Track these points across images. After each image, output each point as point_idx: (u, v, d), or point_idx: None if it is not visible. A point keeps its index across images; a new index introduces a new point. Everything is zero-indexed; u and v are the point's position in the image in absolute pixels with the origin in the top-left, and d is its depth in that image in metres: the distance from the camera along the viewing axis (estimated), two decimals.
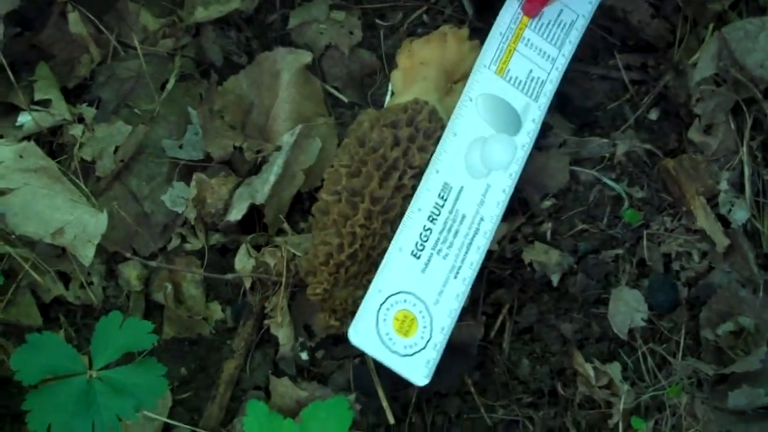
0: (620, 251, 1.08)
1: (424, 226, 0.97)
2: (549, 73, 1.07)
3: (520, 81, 1.05)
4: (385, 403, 1.04)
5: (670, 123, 1.15)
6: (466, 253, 0.98)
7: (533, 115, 1.05)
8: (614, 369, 1.03)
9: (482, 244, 0.99)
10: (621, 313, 1.06)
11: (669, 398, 1.03)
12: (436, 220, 0.98)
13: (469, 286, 0.98)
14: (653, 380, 1.04)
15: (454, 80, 1.09)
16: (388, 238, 0.97)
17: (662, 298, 1.07)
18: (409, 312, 0.96)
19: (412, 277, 0.96)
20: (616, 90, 1.17)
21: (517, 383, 1.06)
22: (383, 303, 0.95)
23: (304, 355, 1.06)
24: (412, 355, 0.95)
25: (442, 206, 0.98)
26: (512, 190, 1.01)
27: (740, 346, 1.03)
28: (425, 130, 1.00)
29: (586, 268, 1.07)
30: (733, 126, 1.11)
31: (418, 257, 0.97)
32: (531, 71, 1.06)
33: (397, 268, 0.96)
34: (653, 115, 1.16)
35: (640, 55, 1.18)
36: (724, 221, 1.08)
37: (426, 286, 0.96)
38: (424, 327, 0.96)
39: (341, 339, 1.06)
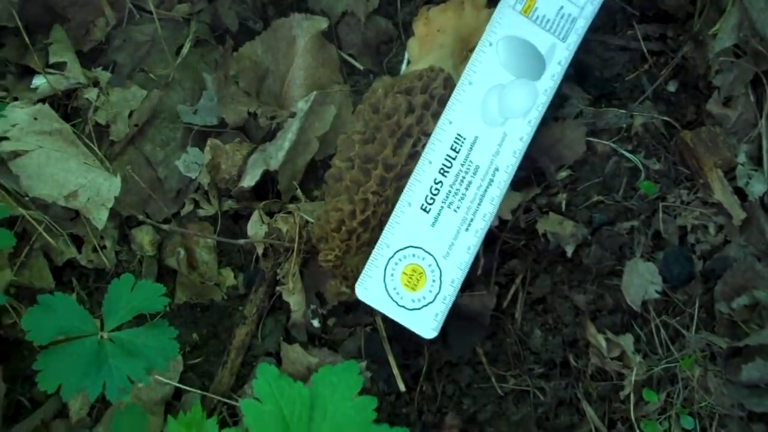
0: (635, 223, 1.07)
1: (435, 179, 0.96)
2: (582, 8, 1.02)
3: (548, 20, 1.01)
4: (395, 371, 1.04)
5: (689, 95, 1.14)
6: (479, 204, 0.97)
7: (560, 56, 1.01)
8: (627, 341, 1.03)
9: (496, 195, 0.98)
10: (635, 285, 1.05)
11: (681, 371, 1.02)
12: (447, 172, 0.97)
13: (482, 238, 0.97)
14: (666, 353, 1.04)
15: (471, 48, 1.06)
16: None
17: (677, 270, 1.05)
18: (418, 266, 0.96)
19: (421, 231, 0.96)
20: (634, 61, 1.15)
21: (528, 354, 1.06)
22: (391, 258, 0.95)
23: (316, 323, 1.06)
24: (420, 308, 0.95)
25: (455, 158, 0.97)
26: (530, 138, 0.99)
27: (755, 320, 1.02)
28: (440, 96, 0.99)
29: (600, 239, 1.06)
30: (752, 98, 1.09)
31: (428, 211, 0.96)
32: (562, 8, 1.01)
33: (405, 223, 0.96)
34: (671, 86, 1.14)
35: (659, 26, 1.16)
36: (741, 194, 1.07)
37: (435, 239, 0.96)
38: (433, 281, 0.96)
39: (353, 306, 1.06)
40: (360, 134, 0.99)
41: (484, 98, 0.99)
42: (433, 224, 0.96)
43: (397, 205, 0.96)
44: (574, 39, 1.01)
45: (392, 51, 1.18)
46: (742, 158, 1.07)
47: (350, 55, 1.18)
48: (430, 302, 0.95)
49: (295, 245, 1.05)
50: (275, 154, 1.07)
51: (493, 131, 0.98)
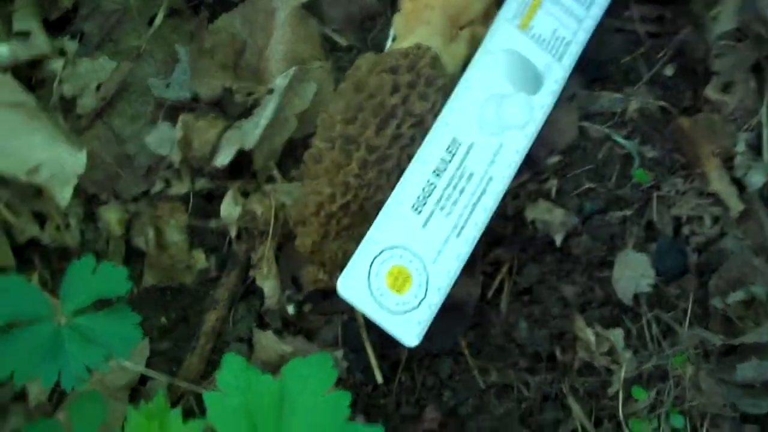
0: (628, 212, 1.04)
1: (428, 180, 0.94)
2: (575, 33, 1.04)
3: (544, 39, 1.03)
4: (373, 361, 1.01)
5: (686, 79, 1.11)
6: (471, 212, 0.95)
7: (556, 75, 1.02)
8: (616, 335, 1.00)
9: (489, 204, 0.96)
10: (626, 277, 1.02)
11: (673, 368, 0.99)
12: (441, 175, 0.95)
13: (472, 247, 0.94)
14: (657, 349, 1.01)
15: (460, 25, 1.04)
16: (384, 190, 0.93)
17: (670, 263, 1.03)
18: (405, 268, 0.92)
19: (410, 231, 0.93)
20: (630, 43, 1.12)
21: (513, 346, 1.02)
22: (377, 256, 0.92)
23: (291, 309, 1.03)
24: (403, 313, 0.91)
25: (449, 161, 0.95)
26: (526, 151, 0.99)
27: (751, 317, 1.00)
28: (427, 76, 0.96)
29: (591, 228, 1.03)
30: (753, 84, 1.07)
31: (419, 212, 0.93)
32: (556, 30, 1.03)
33: (394, 221, 0.93)
34: (669, 70, 1.11)
35: (656, 7, 1.13)
36: (740, 185, 1.04)
37: (425, 242, 0.93)
38: (419, 285, 0.92)
39: (330, 293, 1.02)
40: (341, 114, 0.95)
41: (482, 106, 0.98)
42: (424, 226, 0.93)
43: (388, 202, 0.93)
44: (569, 61, 1.03)
45: (377, 26, 1.15)
46: (741, 147, 1.05)
47: (333, 30, 1.14)
48: (414, 308, 0.91)
49: (271, 228, 1.01)
50: (251, 131, 1.03)
51: (489, 140, 0.97)
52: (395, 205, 0.93)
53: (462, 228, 0.94)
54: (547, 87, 1.01)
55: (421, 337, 0.91)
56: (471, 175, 0.95)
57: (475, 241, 0.95)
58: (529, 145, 0.98)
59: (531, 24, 1.03)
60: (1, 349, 0.81)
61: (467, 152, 0.96)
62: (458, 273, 0.93)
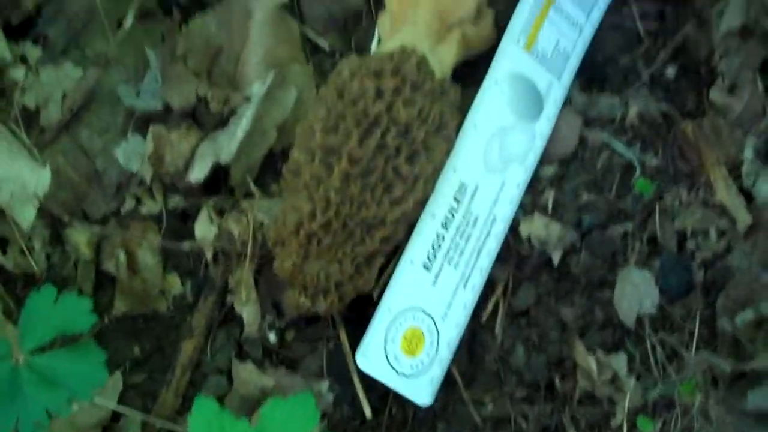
0: (629, 226, 1.02)
1: (437, 233, 0.96)
2: (575, 44, 1.05)
3: (546, 55, 1.03)
4: (361, 393, 0.98)
5: (689, 81, 1.10)
6: (477, 259, 0.98)
7: (555, 95, 1.03)
8: (619, 361, 0.99)
9: (493, 247, 0.98)
10: (628, 297, 1.00)
11: (680, 396, 0.97)
12: (449, 226, 0.97)
13: (478, 294, 0.97)
14: (663, 375, 0.99)
15: (450, 25, 1.01)
16: (368, 205, 0.91)
17: (675, 281, 1.01)
18: (418, 329, 0.95)
19: (422, 291, 0.95)
20: (629, 42, 1.10)
21: (510, 374, 1.01)
22: (392, 322, 0.94)
23: (273, 337, 1.01)
24: (418, 375, 0.94)
25: (457, 210, 0.97)
26: (526, 184, 1.00)
27: (761, 339, 0.97)
28: (413, 81, 0.93)
29: (590, 245, 1.01)
30: (761, 86, 1.05)
31: (429, 269, 0.95)
32: (558, 42, 1.03)
33: (407, 284, 0.95)
34: (670, 71, 1.10)
35: (657, 2, 1.11)
36: (747, 195, 1.02)
37: (435, 299, 0.96)
38: (431, 343, 0.95)
39: (313, 319, 1.01)
40: (322, 122, 0.92)
41: (488, 143, 0.98)
42: (434, 283, 0.95)
43: (400, 263, 0.95)
44: (568, 78, 1.04)
45: (361, 27, 1.12)
46: (748, 154, 1.03)
47: (314, 32, 1.12)
48: (427, 367, 0.94)
49: (249, 250, 0.98)
50: (227, 144, 1.01)
51: (493, 178, 0.98)
52: (407, 266, 0.95)
53: (469, 277, 0.97)
54: (547, 111, 1.02)
55: (434, 395, 0.94)
56: (476, 219, 0.97)
57: (481, 288, 0.96)
58: (529, 178, 0.99)
59: (536, 41, 1.02)
60: None
61: (473, 196, 0.98)
62: (466, 323, 0.96)
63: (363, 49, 1.11)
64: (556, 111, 1.02)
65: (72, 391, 0.80)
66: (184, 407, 1.00)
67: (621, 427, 0.97)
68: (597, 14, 1.06)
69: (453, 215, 0.96)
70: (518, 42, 1.01)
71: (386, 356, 0.93)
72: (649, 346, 1.00)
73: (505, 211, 0.98)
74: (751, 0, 1.04)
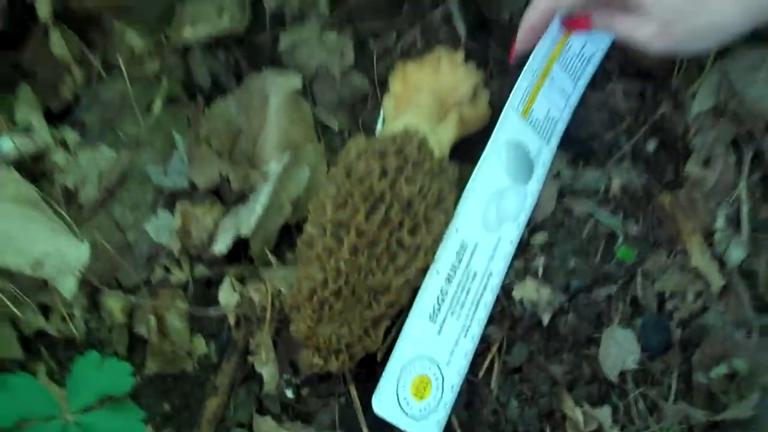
0: (613, 289, 1.06)
1: (441, 288, 0.99)
2: (562, 111, 1.08)
3: (539, 122, 1.06)
4: None
5: (668, 154, 1.13)
6: (475, 310, 1.01)
7: (544, 158, 1.07)
8: (604, 413, 1.02)
9: (489, 300, 1.02)
10: (612, 354, 1.04)
11: None
12: (452, 281, 1.00)
13: (476, 343, 1.01)
14: (643, 425, 1.02)
15: (448, 107, 1.06)
16: (374, 273, 0.96)
17: (655, 339, 1.04)
18: (425, 376, 0.98)
19: (428, 341, 0.99)
20: (612, 119, 1.14)
21: (505, 424, 1.04)
22: (403, 368, 0.97)
23: (290, 393, 1.05)
24: (426, 417, 0.98)
25: (458, 266, 1.00)
26: (518, 240, 1.04)
27: (734, 391, 1.01)
28: (414, 160, 0.98)
29: (577, 307, 1.05)
30: (732, 160, 1.09)
31: (435, 321, 0.99)
32: (549, 110, 1.07)
33: (416, 335, 0.98)
34: (650, 146, 1.13)
35: (637, 83, 1.15)
36: (720, 261, 1.06)
37: (440, 348, 0.99)
38: (437, 388, 0.98)
39: (326, 376, 1.05)
40: (332, 199, 0.97)
41: (486, 205, 1.02)
42: (439, 332, 0.99)
43: (409, 317, 0.99)
44: (555, 142, 1.08)
45: (368, 107, 1.18)
46: (720, 223, 1.07)
47: (325, 113, 1.17)
48: (434, 409, 0.98)
49: (267, 314, 1.03)
50: (247, 219, 1.06)
51: (490, 236, 1.02)
52: (416, 319, 0.98)
53: (468, 327, 1.00)
54: (536, 173, 1.05)
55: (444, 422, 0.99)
56: (475, 274, 1.01)
57: (479, 337, 1.01)
58: (520, 235, 1.04)
59: (532, 108, 1.05)
60: None
61: (472, 253, 1.01)
62: (467, 369, 1.00)
63: (369, 127, 1.15)
64: (544, 172, 1.06)
65: None
66: None
67: None
68: (583, 82, 1.10)
69: (455, 271, 0.99)
70: (517, 110, 1.04)
71: (398, 400, 0.96)
72: (631, 399, 1.03)
73: (500, 266, 1.02)
74: (721, 84, 1.07)
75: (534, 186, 1.05)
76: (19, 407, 0.86)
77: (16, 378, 0.88)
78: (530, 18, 1.01)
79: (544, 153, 1.07)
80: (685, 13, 0.91)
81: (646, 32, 0.95)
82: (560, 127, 1.08)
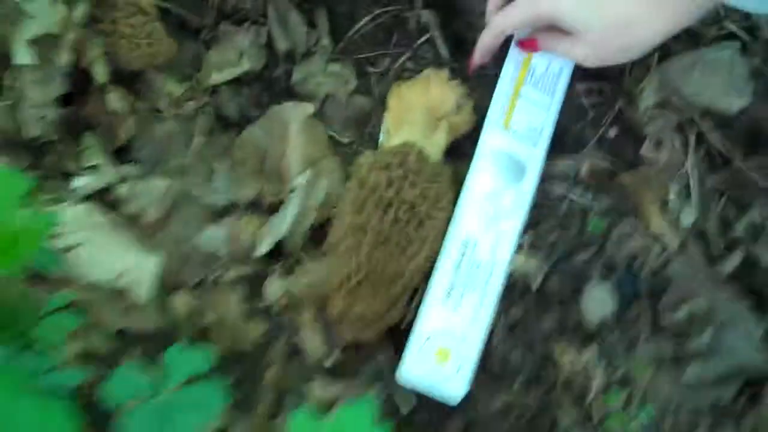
0: (589, 254, 1.16)
1: (451, 273, 1.10)
2: (545, 119, 1.16)
3: (522, 133, 1.15)
4: (399, 395, 1.14)
5: (627, 140, 1.23)
6: (486, 291, 1.11)
7: (534, 161, 1.15)
8: (589, 355, 1.11)
9: (497, 288, 1.13)
10: (592, 307, 1.14)
11: (635, 375, 1.13)
12: (459, 268, 1.10)
13: (489, 323, 1.11)
14: (622, 362, 1.13)
15: (438, 117, 1.16)
16: (390, 264, 1.07)
17: (627, 291, 1.14)
18: (446, 347, 1.10)
19: (445, 317, 1.09)
20: (579, 114, 1.23)
21: (510, 371, 1.14)
22: (424, 343, 1.09)
23: (331, 361, 1.16)
24: (449, 378, 1.09)
25: (463, 256, 1.11)
26: (519, 233, 1.13)
27: (695, 329, 1.13)
28: (414, 169, 1.09)
29: (560, 271, 1.14)
30: (678, 143, 1.19)
31: (450, 298, 1.11)
32: (529, 122, 1.15)
33: (432, 312, 1.10)
34: (611, 134, 1.23)
35: (596, 82, 1.24)
36: (676, 224, 1.16)
37: (457, 322, 1.09)
38: (457, 355, 1.10)
39: (359, 345, 1.17)
40: (350, 207, 1.10)
41: (481, 204, 1.13)
42: (455, 309, 1.10)
43: (426, 297, 1.10)
44: (544, 145, 1.16)
45: (371, 123, 1.29)
46: (673, 193, 1.18)
47: (336, 130, 1.30)
48: (455, 372, 1.09)
49: (306, 301, 1.18)
50: (281, 225, 1.19)
51: (492, 229, 1.13)
52: (431, 298, 1.09)
53: (483, 300, 1.11)
54: (529, 173, 1.14)
55: (466, 387, 1.11)
56: (479, 264, 1.11)
57: (491, 318, 1.11)
58: (522, 228, 1.14)
59: (511, 122, 1.14)
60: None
61: (475, 247, 1.11)
62: (485, 340, 1.11)
63: (373, 139, 1.26)
64: (539, 170, 1.15)
65: (207, 413, 0.96)
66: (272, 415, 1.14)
67: (593, 401, 1.12)
68: (560, 94, 1.18)
69: (460, 260, 1.10)
70: (497, 123, 1.13)
71: (423, 364, 1.08)
72: (610, 341, 1.14)
73: (505, 253, 1.12)
74: (663, 82, 1.18)
75: (530, 184, 1.15)
76: (129, 389, 0.97)
77: (122, 368, 0.99)
78: (484, 37, 1.12)
79: (534, 156, 1.15)
80: (610, 38, 1.02)
81: (580, 52, 1.06)
82: (547, 132, 1.16)
